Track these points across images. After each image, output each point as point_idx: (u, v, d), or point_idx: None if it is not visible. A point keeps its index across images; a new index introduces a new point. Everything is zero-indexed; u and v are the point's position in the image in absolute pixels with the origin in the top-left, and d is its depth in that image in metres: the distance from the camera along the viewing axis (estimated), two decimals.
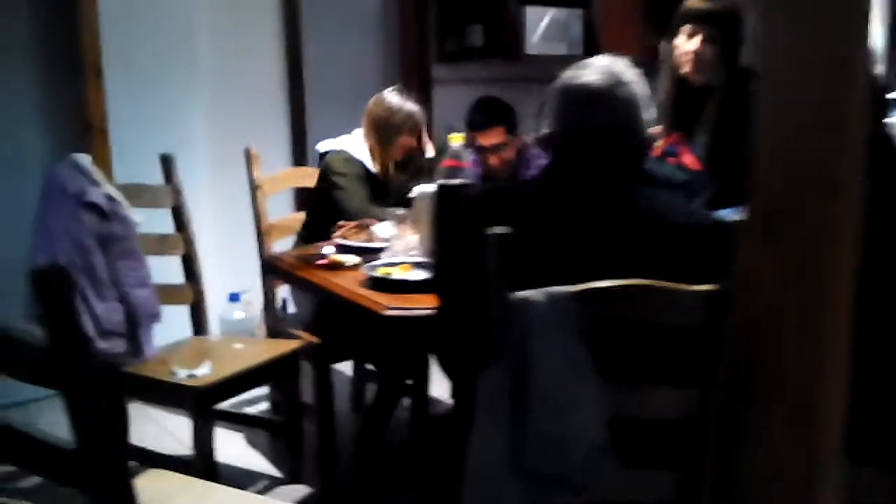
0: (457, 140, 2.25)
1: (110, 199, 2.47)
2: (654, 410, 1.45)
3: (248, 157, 2.92)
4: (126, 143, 3.34)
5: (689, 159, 2.32)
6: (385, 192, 2.88)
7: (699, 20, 2.39)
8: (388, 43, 4.38)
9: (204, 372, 2.43)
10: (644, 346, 1.43)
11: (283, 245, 3.00)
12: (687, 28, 2.41)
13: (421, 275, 2.09)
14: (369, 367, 3.16)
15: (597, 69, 1.60)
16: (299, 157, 3.94)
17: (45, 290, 1.16)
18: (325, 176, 2.85)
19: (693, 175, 2.33)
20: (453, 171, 2.21)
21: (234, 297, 2.99)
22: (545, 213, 1.53)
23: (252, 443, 2.98)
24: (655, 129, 2.44)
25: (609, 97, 1.57)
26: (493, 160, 2.99)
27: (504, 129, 3.00)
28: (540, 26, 4.34)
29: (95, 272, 2.44)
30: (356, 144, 2.89)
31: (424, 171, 2.87)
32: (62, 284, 1.18)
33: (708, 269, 1.42)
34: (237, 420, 2.95)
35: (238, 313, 2.97)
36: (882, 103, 1.81)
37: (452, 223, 1.63)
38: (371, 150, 2.89)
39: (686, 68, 2.41)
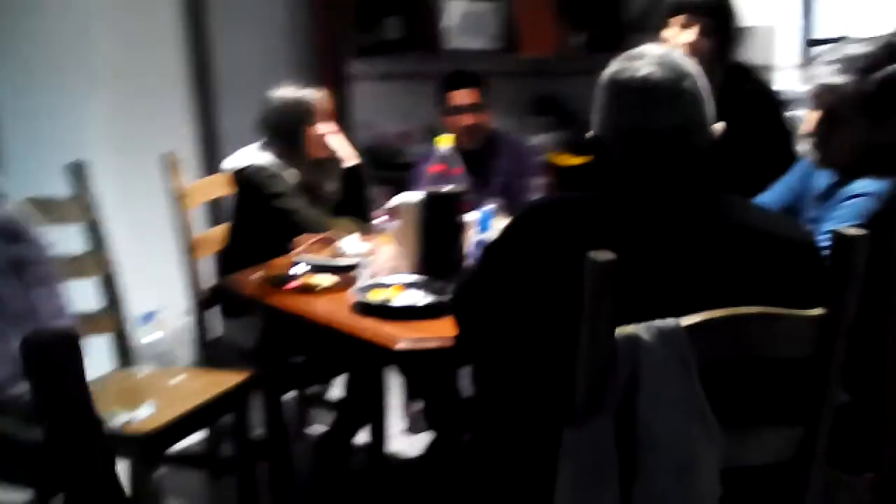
0: (445, 142, 2.01)
1: (12, 219, 2.07)
2: (759, 455, 1.28)
3: (169, 164, 2.58)
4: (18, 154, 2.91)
5: None
6: (314, 203, 2.61)
7: (694, 11, 2.27)
8: (301, 37, 4.06)
9: (145, 414, 2.09)
10: (750, 383, 1.25)
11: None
12: (680, 19, 2.29)
13: (420, 297, 1.84)
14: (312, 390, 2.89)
15: (654, 60, 1.38)
16: (210, 162, 3.56)
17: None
18: (256, 196, 2.54)
19: None
20: (442, 178, 1.97)
21: (147, 317, 2.62)
22: (627, 231, 1.31)
23: (196, 485, 2.66)
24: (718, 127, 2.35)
25: (675, 92, 1.36)
26: (468, 119, 2.93)
27: (478, 91, 2.97)
28: (458, 19, 4.13)
29: (9, 304, 2.05)
30: (266, 158, 2.60)
31: (355, 178, 2.62)
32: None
33: (813, 289, 1.26)
34: (179, 461, 2.61)
35: (151, 335, 2.60)
36: None
37: (509, 242, 1.39)
38: (283, 159, 2.60)
39: None
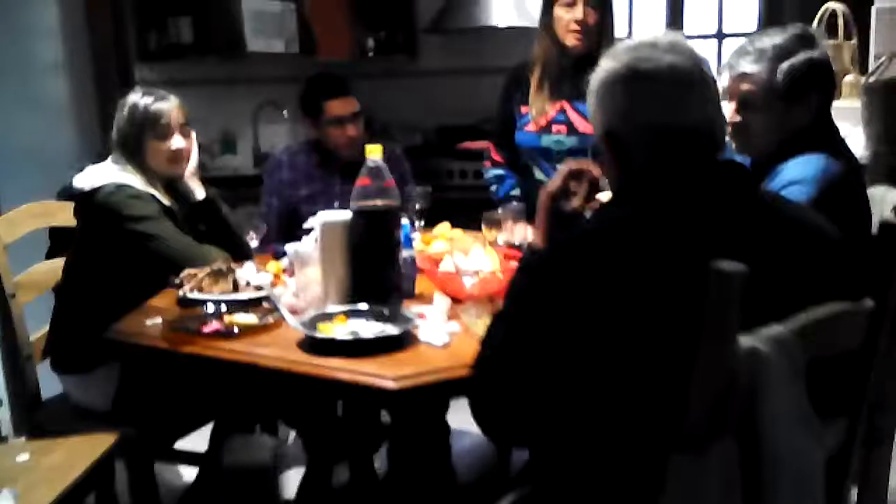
0: (373, 153, 1.81)
1: None
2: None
3: None
4: None
5: (581, 123, 2.31)
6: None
7: None
8: (77, 39, 3.54)
9: None
10: (816, 380, 1.23)
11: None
12: None
13: (373, 326, 1.64)
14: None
15: (671, 47, 1.30)
16: None
17: None
18: (111, 221, 2.14)
19: (584, 138, 2.36)
20: (373, 191, 1.77)
21: None
22: (690, 243, 1.21)
23: None
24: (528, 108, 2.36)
25: (701, 82, 1.29)
26: (353, 131, 2.70)
27: (355, 99, 2.75)
28: (253, 21, 3.83)
29: None
30: (126, 177, 2.23)
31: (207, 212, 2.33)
32: None
33: (850, 282, 1.27)
34: None
35: None
36: None
37: (564, 281, 1.22)
38: (143, 178, 2.26)
39: (570, 38, 2.39)
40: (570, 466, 1.30)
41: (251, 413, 2.43)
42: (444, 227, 2.29)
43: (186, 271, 1.97)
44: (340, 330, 1.62)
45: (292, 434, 2.90)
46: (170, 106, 2.25)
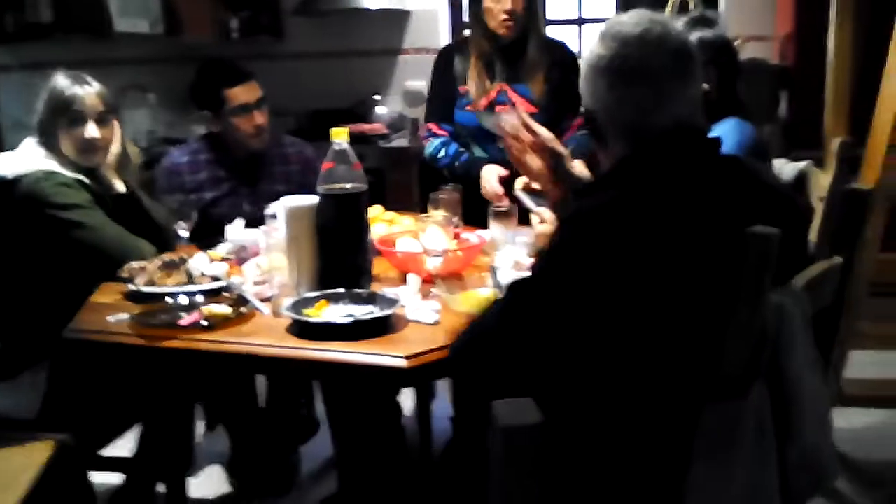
0: (338, 136, 1.79)
1: None
2: None
3: None
4: None
5: (522, 104, 2.37)
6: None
7: None
8: None
9: None
10: None
11: None
12: None
13: (362, 309, 1.65)
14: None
15: (660, 41, 1.28)
16: None
17: None
18: (37, 210, 2.00)
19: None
20: (340, 175, 1.76)
21: None
22: (690, 214, 1.26)
23: None
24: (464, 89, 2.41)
25: (684, 79, 1.31)
26: (260, 119, 2.56)
27: (258, 85, 2.60)
28: (119, 0, 3.62)
29: None
30: (48, 158, 2.09)
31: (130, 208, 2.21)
32: None
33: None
34: None
35: None
36: None
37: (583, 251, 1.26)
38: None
39: (501, 28, 2.46)
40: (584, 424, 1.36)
41: (183, 410, 2.34)
42: (377, 210, 2.30)
43: (132, 264, 1.88)
44: (331, 314, 1.62)
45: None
46: (86, 92, 2.11)
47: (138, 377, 2.09)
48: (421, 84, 4.54)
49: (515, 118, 1.69)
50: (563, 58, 2.54)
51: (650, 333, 1.24)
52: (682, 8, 3.81)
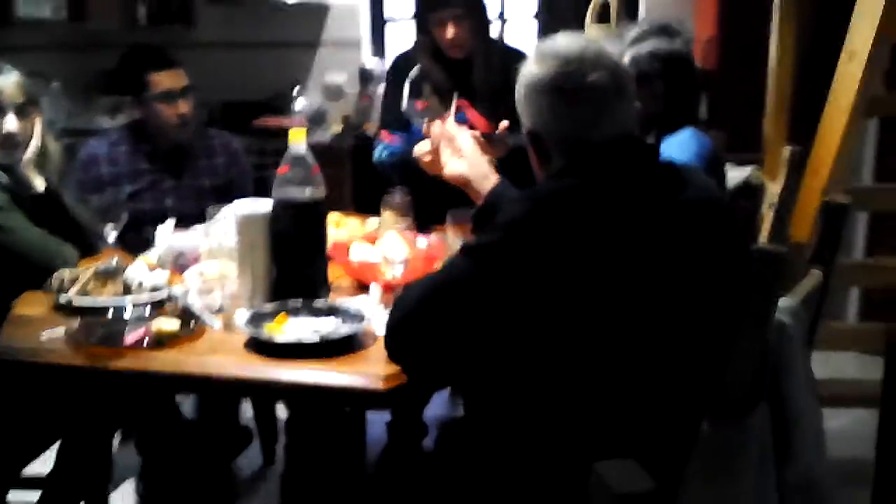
0: (296, 138, 1.67)
1: None
2: None
3: None
4: None
5: (480, 122, 2.28)
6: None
7: (443, 3, 2.35)
8: None
9: None
10: None
11: None
12: (435, 15, 2.36)
13: (326, 324, 1.54)
14: None
15: (596, 60, 1.31)
16: None
17: None
18: None
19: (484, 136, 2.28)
20: (297, 180, 1.65)
21: None
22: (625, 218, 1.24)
23: None
24: (421, 104, 2.32)
25: (620, 97, 1.32)
26: (184, 107, 2.44)
27: (184, 72, 2.48)
28: None
29: None
30: None
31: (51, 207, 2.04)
32: None
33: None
34: None
35: None
36: None
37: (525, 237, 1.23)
38: None
39: (451, 52, 2.40)
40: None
41: (104, 425, 2.18)
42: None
43: (62, 272, 1.71)
44: (294, 329, 1.51)
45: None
46: (3, 81, 1.92)
47: (61, 393, 1.93)
48: (341, 77, 4.42)
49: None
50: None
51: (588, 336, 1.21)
52: (604, 12, 3.82)
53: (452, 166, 1.75)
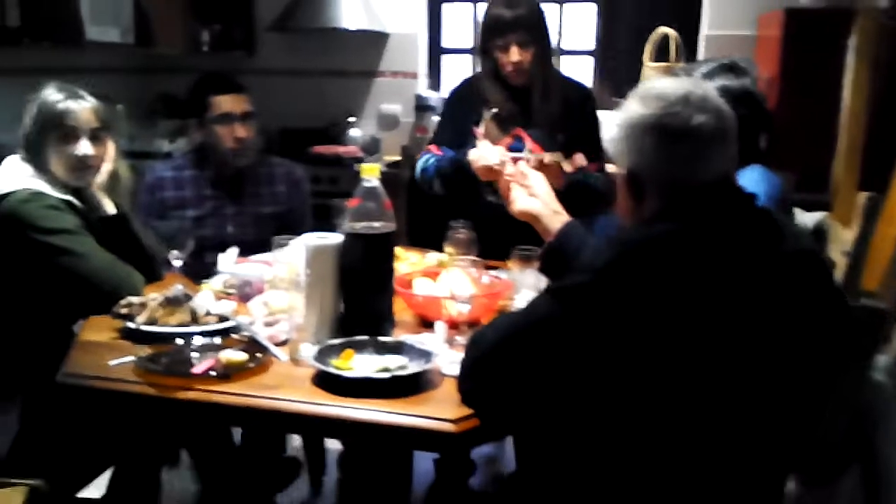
0: (369, 172, 1.67)
1: None
2: None
3: None
4: None
5: (536, 150, 2.26)
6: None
7: (509, 28, 2.33)
8: None
9: None
10: None
11: None
12: (500, 40, 2.35)
13: (393, 361, 1.52)
14: None
15: (702, 104, 1.30)
16: None
17: None
18: (19, 234, 1.84)
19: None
20: (369, 213, 1.64)
21: None
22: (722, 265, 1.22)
23: None
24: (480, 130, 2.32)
25: (724, 140, 1.31)
26: (242, 132, 2.46)
27: (248, 98, 2.50)
28: (91, 5, 3.43)
29: None
30: (35, 177, 1.93)
31: (119, 231, 2.06)
32: None
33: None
34: None
35: None
36: None
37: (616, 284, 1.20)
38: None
39: (511, 77, 2.39)
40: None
41: (157, 451, 2.18)
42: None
43: (131, 299, 1.72)
44: (361, 365, 1.49)
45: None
46: (80, 106, 1.97)
47: (124, 420, 1.93)
48: (396, 108, 4.45)
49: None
50: (581, 101, 2.44)
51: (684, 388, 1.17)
52: (662, 48, 3.79)
53: (523, 203, 1.74)
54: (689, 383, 1.15)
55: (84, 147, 1.97)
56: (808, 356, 1.17)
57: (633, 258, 1.21)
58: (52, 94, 1.95)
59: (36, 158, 1.94)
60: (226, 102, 2.44)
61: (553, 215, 1.70)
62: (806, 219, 2.20)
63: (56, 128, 1.94)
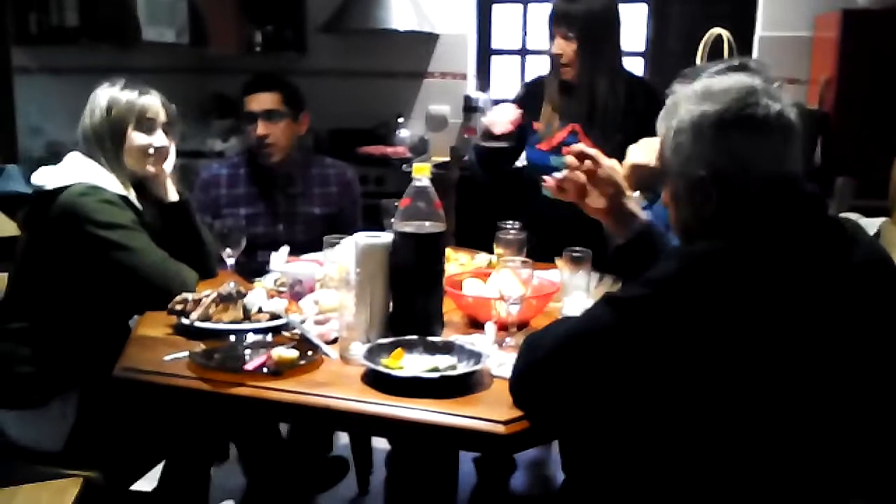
0: (421, 172, 1.68)
1: None
2: None
3: None
4: None
5: (589, 146, 2.21)
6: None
7: (556, 20, 2.36)
8: None
9: None
10: None
11: None
12: (551, 31, 2.38)
13: (443, 361, 1.52)
14: None
15: (771, 93, 1.22)
16: None
17: None
18: (75, 228, 1.87)
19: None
20: (419, 213, 1.64)
21: None
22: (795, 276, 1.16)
23: None
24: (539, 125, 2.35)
25: (799, 131, 1.24)
26: (263, 130, 2.49)
27: (280, 97, 2.52)
28: (147, 6, 3.50)
29: None
30: (95, 172, 1.97)
31: (180, 219, 2.10)
32: None
33: None
34: None
35: None
36: None
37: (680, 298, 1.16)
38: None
39: (558, 69, 2.39)
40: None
41: (208, 445, 2.21)
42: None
43: (185, 296, 1.75)
44: (411, 364, 1.50)
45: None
46: (157, 101, 2.04)
47: (177, 414, 1.96)
48: (445, 109, 4.45)
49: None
50: (645, 101, 2.35)
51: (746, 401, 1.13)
52: (715, 49, 3.73)
53: (634, 154, 1.80)
54: (752, 399, 1.12)
55: (160, 138, 2.03)
56: (878, 370, 1.14)
57: (696, 272, 1.15)
58: (124, 89, 2.00)
59: (105, 152, 1.98)
60: (251, 101, 2.51)
61: (628, 216, 1.63)
62: (867, 224, 2.15)
63: (134, 120, 1.99)
